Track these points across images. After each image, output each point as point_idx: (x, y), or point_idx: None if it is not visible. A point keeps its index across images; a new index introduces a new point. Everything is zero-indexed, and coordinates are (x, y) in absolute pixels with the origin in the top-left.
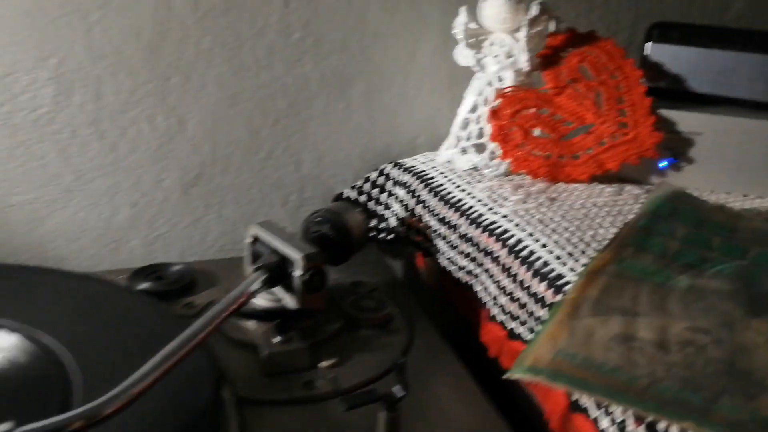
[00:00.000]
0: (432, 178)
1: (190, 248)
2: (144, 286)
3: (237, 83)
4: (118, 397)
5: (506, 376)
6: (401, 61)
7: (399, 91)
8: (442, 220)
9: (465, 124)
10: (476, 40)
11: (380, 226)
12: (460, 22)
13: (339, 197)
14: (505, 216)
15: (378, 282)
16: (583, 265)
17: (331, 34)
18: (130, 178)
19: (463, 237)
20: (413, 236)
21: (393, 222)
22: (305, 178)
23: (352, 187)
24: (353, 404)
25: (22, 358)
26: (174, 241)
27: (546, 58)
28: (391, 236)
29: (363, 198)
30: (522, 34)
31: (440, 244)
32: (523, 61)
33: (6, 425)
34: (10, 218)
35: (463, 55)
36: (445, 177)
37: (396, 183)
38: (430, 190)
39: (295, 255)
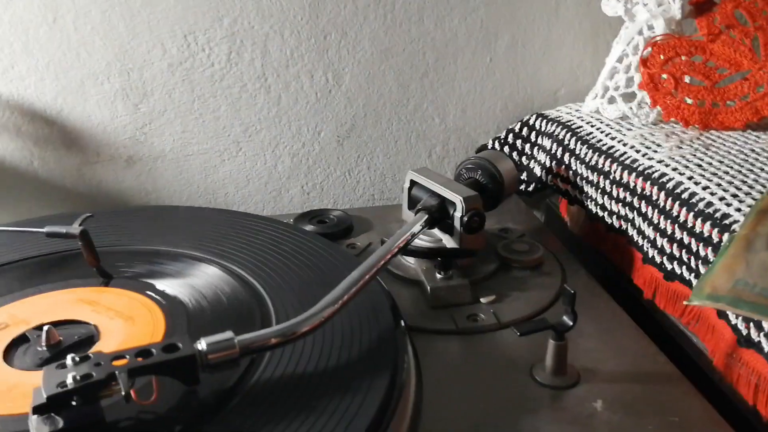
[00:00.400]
0: (579, 127)
1: (342, 196)
2: (309, 228)
3: (389, 38)
4: (311, 318)
5: (686, 302)
6: (545, 14)
7: (542, 44)
8: (593, 168)
9: (612, 74)
10: None
11: (523, 177)
12: None
13: (482, 148)
14: (660, 161)
15: (524, 229)
16: (749, 205)
17: None
18: (291, 129)
19: (616, 182)
20: (561, 185)
21: (538, 171)
22: (449, 129)
23: (495, 139)
24: (526, 331)
25: (224, 286)
26: (328, 190)
27: (698, 6)
28: (532, 186)
29: (506, 149)
30: None
31: (590, 191)
32: (676, 8)
33: (228, 333)
34: (188, 166)
35: (611, 6)
36: (593, 126)
37: (540, 133)
38: (578, 139)
39: (455, 197)
